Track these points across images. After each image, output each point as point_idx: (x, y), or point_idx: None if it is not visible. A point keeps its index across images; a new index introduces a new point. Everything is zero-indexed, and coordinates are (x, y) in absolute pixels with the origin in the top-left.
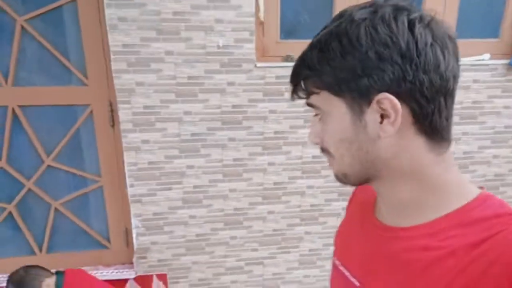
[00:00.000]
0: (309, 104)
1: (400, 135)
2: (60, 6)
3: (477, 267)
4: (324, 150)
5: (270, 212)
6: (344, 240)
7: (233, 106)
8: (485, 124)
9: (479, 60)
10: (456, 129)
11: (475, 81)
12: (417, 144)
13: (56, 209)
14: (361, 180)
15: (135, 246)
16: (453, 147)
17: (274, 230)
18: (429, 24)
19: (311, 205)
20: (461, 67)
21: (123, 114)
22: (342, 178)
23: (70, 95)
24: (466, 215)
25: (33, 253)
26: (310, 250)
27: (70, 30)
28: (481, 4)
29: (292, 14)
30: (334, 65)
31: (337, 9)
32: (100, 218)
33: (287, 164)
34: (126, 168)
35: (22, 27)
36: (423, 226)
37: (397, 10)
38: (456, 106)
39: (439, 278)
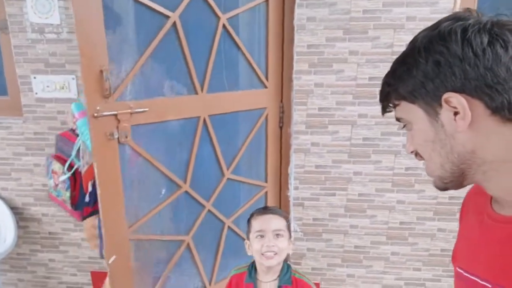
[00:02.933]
0: (397, 118)
1: (479, 127)
2: (253, 7)
3: None
4: (418, 155)
5: (440, 230)
6: (464, 247)
7: None
8: None
9: None
10: None
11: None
12: (503, 131)
13: (228, 228)
14: (459, 179)
15: (291, 251)
16: None
17: (443, 250)
18: (485, 26)
19: None
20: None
21: (298, 115)
22: (440, 183)
23: (251, 100)
24: None
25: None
26: None
27: (255, 32)
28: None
29: (489, 11)
30: (404, 78)
31: None
32: None
33: None
34: (293, 170)
35: (224, 26)
36: None
37: (454, 21)
38: None
39: None
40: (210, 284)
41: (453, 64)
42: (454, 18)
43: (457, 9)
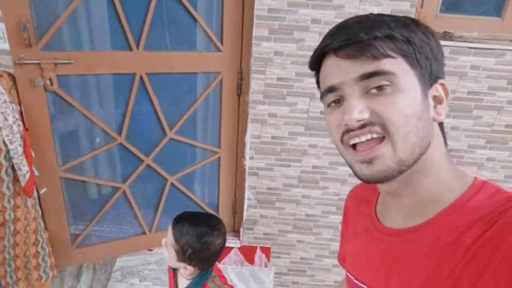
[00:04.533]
0: (378, 73)
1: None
2: None
3: (484, 255)
4: (376, 126)
5: None
6: (353, 253)
7: None
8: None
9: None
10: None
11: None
12: (439, 134)
13: (171, 184)
14: (406, 169)
15: (244, 217)
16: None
17: None
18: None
19: None
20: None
21: (256, 84)
22: (394, 170)
23: (202, 62)
24: (465, 205)
25: (143, 232)
26: None
27: None
28: None
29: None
30: (418, 37)
31: None
32: (211, 188)
33: None
34: (249, 140)
35: None
36: (428, 223)
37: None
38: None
39: (452, 270)
40: (150, 231)
41: (444, 56)
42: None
43: None
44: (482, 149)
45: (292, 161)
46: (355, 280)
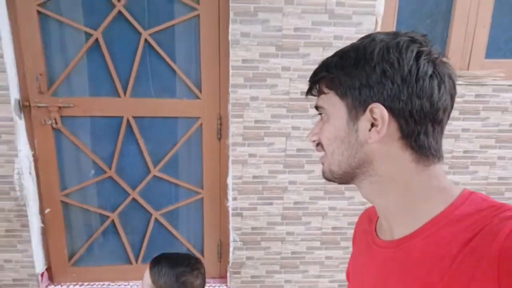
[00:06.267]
0: (316, 107)
1: (386, 144)
2: (182, 22)
3: (469, 263)
4: (319, 146)
5: None
6: (355, 270)
7: None
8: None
9: None
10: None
11: None
12: (403, 155)
13: (156, 219)
14: (347, 179)
15: (231, 260)
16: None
17: None
18: (435, 60)
19: None
20: None
21: (235, 127)
22: (329, 175)
23: (182, 108)
24: (452, 215)
25: (129, 262)
26: None
27: (189, 45)
28: None
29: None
30: (346, 71)
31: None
32: (196, 231)
33: None
34: (231, 181)
35: (146, 40)
36: (416, 233)
37: (412, 41)
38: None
39: (440, 279)
40: (136, 262)
41: (395, 80)
42: (412, 37)
43: (379, 30)
44: (493, 148)
45: (274, 199)
46: None
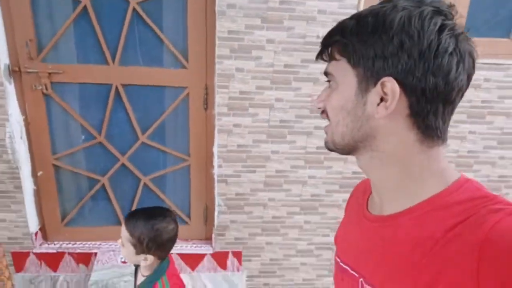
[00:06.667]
0: (326, 73)
1: (392, 121)
2: None
3: (450, 248)
4: (324, 114)
5: (345, 200)
6: (343, 238)
7: None
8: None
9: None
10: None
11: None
12: (409, 134)
13: (144, 184)
14: (348, 150)
15: (216, 224)
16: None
17: None
18: (458, 35)
19: None
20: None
21: (220, 98)
22: (331, 145)
23: (170, 77)
24: (444, 200)
25: (119, 223)
26: None
27: (177, 15)
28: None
29: None
30: (362, 38)
31: None
32: (183, 196)
33: None
34: (217, 149)
35: (134, 9)
36: (407, 212)
37: (437, 12)
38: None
39: (420, 259)
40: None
41: (412, 54)
42: (437, 8)
43: (362, 6)
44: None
45: (257, 167)
46: (340, 263)
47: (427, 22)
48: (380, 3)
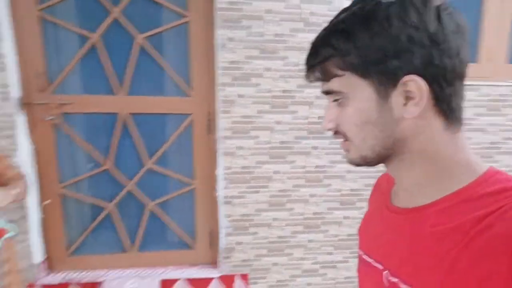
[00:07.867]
0: (326, 91)
1: (421, 116)
2: (174, 27)
3: (481, 240)
4: (338, 134)
5: (346, 217)
6: (366, 231)
7: (319, 117)
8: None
9: None
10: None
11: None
12: (436, 124)
13: (150, 210)
14: (379, 161)
15: (222, 246)
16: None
17: (349, 234)
18: (452, 13)
19: None
20: None
21: (224, 122)
22: (359, 161)
23: (175, 105)
24: (473, 191)
25: (125, 250)
26: None
27: (180, 48)
28: None
29: None
30: (361, 46)
31: None
32: (189, 220)
33: (363, 172)
34: (222, 171)
35: (140, 43)
36: (434, 204)
37: None
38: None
39: (448, 251)
40: (132, 250)
41: (424, 45)
42: None
43: None
44: None
45: (261, 187)
46: (363, 255)
47: (423, 9)
48: (353, 5)
